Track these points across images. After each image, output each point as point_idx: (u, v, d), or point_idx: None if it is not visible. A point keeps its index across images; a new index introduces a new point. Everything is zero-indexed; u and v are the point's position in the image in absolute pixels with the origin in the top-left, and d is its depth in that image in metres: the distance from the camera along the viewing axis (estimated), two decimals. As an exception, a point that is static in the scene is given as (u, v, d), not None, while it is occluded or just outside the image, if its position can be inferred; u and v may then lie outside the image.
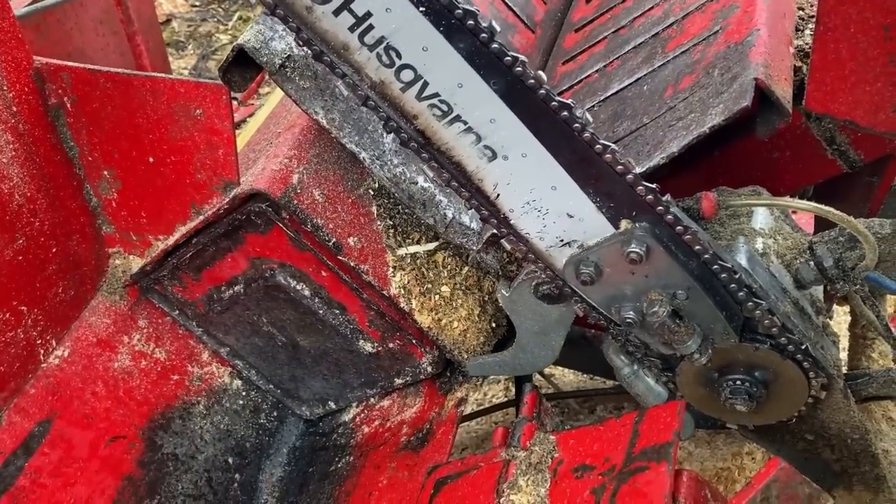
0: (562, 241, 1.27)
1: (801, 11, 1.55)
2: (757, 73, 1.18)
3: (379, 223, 1.62)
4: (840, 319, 2.25)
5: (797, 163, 1.50)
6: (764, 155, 1.48)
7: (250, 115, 2.08)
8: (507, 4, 1.83)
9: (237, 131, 2.22)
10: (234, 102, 2.20)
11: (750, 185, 1.43)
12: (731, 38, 1.31)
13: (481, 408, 2.68)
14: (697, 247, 1.20)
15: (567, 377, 3.03)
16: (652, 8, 1.60)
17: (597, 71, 1.58)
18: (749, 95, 1.15)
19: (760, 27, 1.27)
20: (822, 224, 1.31)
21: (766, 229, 1.36)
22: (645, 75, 1.43)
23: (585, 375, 2.89)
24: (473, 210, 1.28)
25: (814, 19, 1.49)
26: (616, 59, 1.55)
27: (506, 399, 2.77)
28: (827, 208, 1.21)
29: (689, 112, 1.25)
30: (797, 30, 1.51)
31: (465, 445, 2.71)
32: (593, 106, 1.48)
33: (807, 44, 1.47)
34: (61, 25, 2.00)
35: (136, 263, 1.76)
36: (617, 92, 1.46)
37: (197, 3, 5.48)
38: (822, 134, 1.43)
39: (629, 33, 1.59)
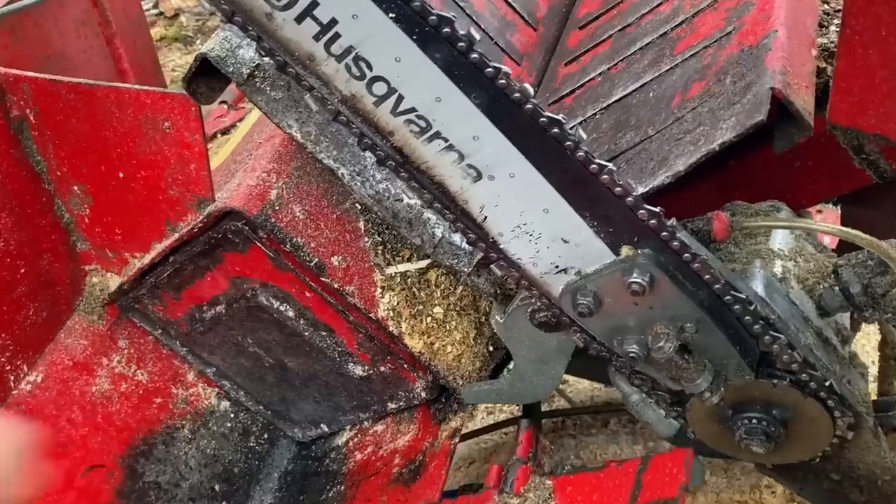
0: (557, 267, 1.15)
1: (825, 5, 1.40)
2: (774, 81, 1.05)
3: (366, 240, 1.51)
4: (869, 330, 2.11)
5: (821, 173, 1.36)
6: (784, 165, 1.35)
7: (240, 120, 1.97)
8: (506, 0, 1.70)
9: (226, 137, 2.11)
10: (224, 106, 2.09)
11: (768, 198, 1.30)
12: (745, 41, 1.17)
13: (491, 420, 2.57)
14: (707, 276, 1.07)
15: (581, 384, 2.90)
16: (661, 4, 1.46)
17: (600, 74, 1.45)
18: (764, 108, 1.02)
19: (778, 28, 1.13)
20: (847, 245, 1.17)
21: (785, 250, 1.23)
22: (651, 80, 1.30)
23: (599, 384, 2.76)
24: (460, 233, 1.16)
25: (840, 14, 1.35)
26: (621, 60, 1.42)
27: (518, 412, 2.65)
28: (854, 231, 1.07)
29: (698, 125, 1.12)
30: (821, 26, 1.37)
31: (473, 458, 2.60)
32: (595, 113, 1.35)
33: (831, 42, 1.34)
34: (39, 28, 1.90)
35: (115, 281, 1.66)
36: (621, 98, 1.33)
37: (205, -3, 5.38)
38: (848, 142, 1.29)
39: (636, 32, 1.46)
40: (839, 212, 1.94)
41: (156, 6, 5.18)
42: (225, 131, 2.05)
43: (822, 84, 1.27)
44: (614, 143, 1.25)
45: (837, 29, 1.36)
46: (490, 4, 1.68)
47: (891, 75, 0.94)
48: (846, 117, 1.01)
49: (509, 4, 1.70)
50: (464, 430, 1.57)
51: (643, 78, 1.32)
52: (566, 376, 2.79)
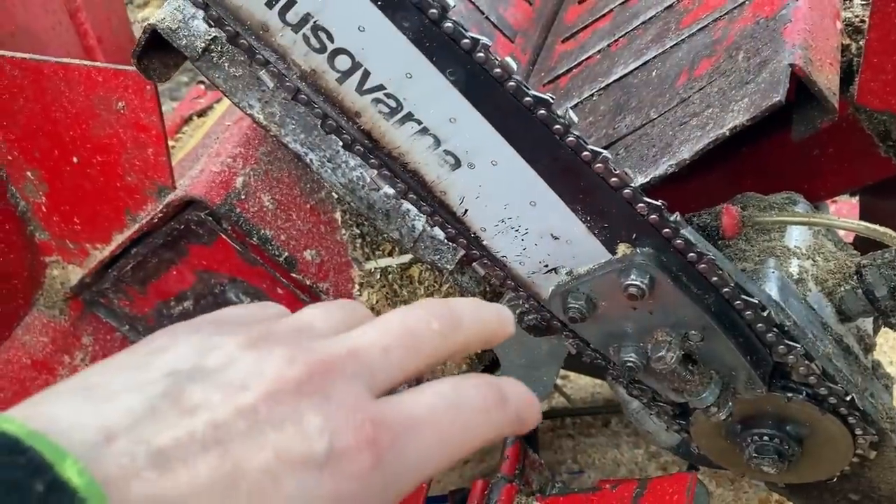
0: (546, 266, 1.02)
1: (849, -24, 1.27)
2: (794, 57, 0.91)
3: (343, 232, 1.39)
4: (889, 333, 1.98)
5: (843, 162, 1.24)
6: (802, 153, 1.22)
7: (217, 101, 1.85)
8: (499, -28, 1.57)
9: (202, 119, 1.97)
10: (202, 86, 1.97)
11: (784, 189, 1.17)
12: (760, 12, 1.04)
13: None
14: (715, 278, 0.95)
15: (582, 380, 2.79)
16: (667, -26, 1.33)
17: (599, 51, 1.32)
18: (782, 88, 0.89)
19: (799, -4, 1.00)
20: (867, 239, 1.05)
21: (802, 248, 1.11)
22: (654, 57, 1.17)
23: (600, 380, 2.64)
24: (438, 228, 1.04)
25: (866, -15, 1.21)
26: (622, 36, 1.29)
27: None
28: (882, 229, 0.95)
29: (706, 107, 0.99)
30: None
31: (467, 459, 2.49)
32: (592, 95, 1.22)
33: (856, 16, 1.20)
34: (1, 2, 1.78)
35: (77, 274, 1.55)
36: (621, 78, 1.20)
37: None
38: (874, 127, 1.16)
39: (639, 5, 1.33)
40: (856, 202, 1.81)
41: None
42: (201, 113, 1.93)
43: (844, 63, 1.14)
44: (612, 127, 1.12)
45: (863, 3, 1.22)
46: (482, -24, 1.55)
47: (931, 49, 0.81)
48: (878, 98, 0.89)
49: (503, -24, 1.57)
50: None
51: (646, 55, 1.18)
52: (565, 372, 2.68)
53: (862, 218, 1.61)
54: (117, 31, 2.07)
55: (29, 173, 1.42)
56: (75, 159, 1.35)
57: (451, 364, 1.42)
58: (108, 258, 1.45)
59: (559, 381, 2.60)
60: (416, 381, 1.37)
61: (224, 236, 1.32)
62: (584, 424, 2.43)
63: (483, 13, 1.46)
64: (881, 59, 0.86)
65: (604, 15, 1.41)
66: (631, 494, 0.98)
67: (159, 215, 1.31)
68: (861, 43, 1.12)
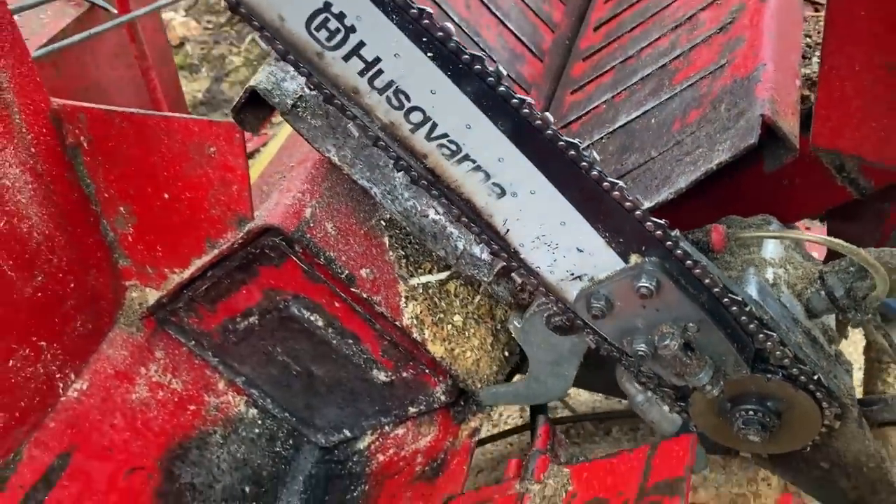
0: (572, 274, 1.27)
1: (807, 39, 1.55)
2: (763, 109, 1.19)
3: (391, 254, 1.63)
4: (856, 339, 2.24)
5: (807, 191, 1.50)
6: (773, 183, 1.49)
7: (263, 145, 2.10)
8: (515, 35, 1.84)
9: (250, 161, 2.25)
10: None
11: (759, 213, 1.44)
12: (737, 73, 1.32)
13: (496, 431, 2.68)
14: (707, 280, 1.21)
15: (582, 396, 3.02)
16: (659, 39, 1.61)
17: (604, 102, 1.59)
18: (755, 133, 1.16)
19: (767, 61, 1.28)
20: (834, 253, 1.31)
21: (776, 259, 1.37)
22: (653, 108, 1.44)
23: (600, 395, 2.88)
24: (483, 244, 1.29)
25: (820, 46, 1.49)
26: (624, 90, 1.56)
27: (521, 422, 2.77)
28: (836, 241, 1.21)
29: (697, 147, 1.25)
30: (804, 57, 1.51)
31: (481, 468, 2.71)
32: (602, 137, 1.49)
33: (813, 72, 1.48)
34: (78, 62, 2.04)
35: (153, 296, 1.78)
36: (625, 124, 1.47)
37: (210, 26, 5.54)
38: (831, 162, 1.43)
39: (636, 64, 1.60)
40: (825, 227, 2.08)
41: (162, 35, 5.32)
42: (249, 156, 2.19)
43: (806, 110, 1.41)
44: (620, 163, 1.39)
45: (819, 60, 1.50)
46: (500, 38, 1.83)
47: (864, 104, 1.08)
48: (827, 141, 1.15)
49: (518, 38, 1.85)
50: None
51: (645, 105, 1.46)
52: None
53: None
54: (169, 84, 2.33)
55: (121, 208, 1.66)
56: (166, 195, 1.59)
57: (483, 364, 1.66)
58: (187, 280, 1.68)
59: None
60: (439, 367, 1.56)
61: (294, 258, 1.56)
62: (587, 433, 2.66)
63: (504, 70, 1.73)
64: (828, 112, 1.12)
65: (606, 71, 1.68)
66: (645, 455, 1.22)
67: (239, 241, 1.55)
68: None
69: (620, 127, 1.47)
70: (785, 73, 1.29)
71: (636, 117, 1.45)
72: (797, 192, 1.51)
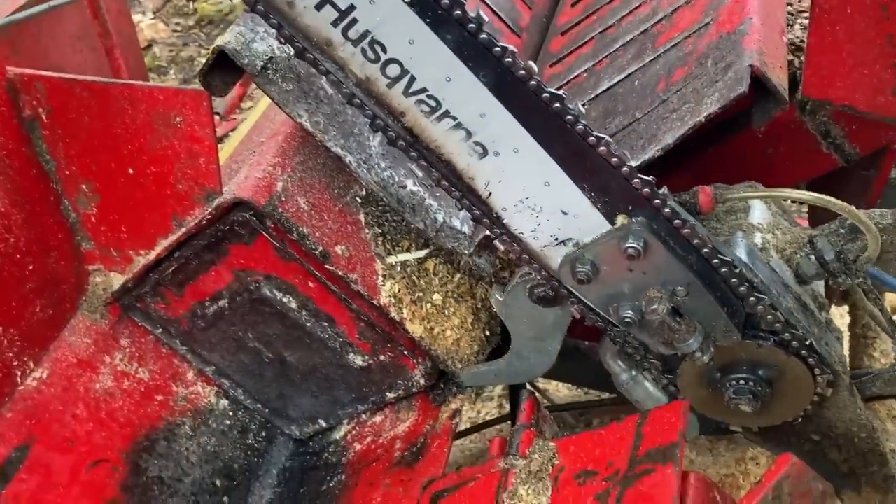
0: (556, 239, 1.23)
1: (789, 6, 1.53)
2: (752, 60, 1.15)
3: (367, 231, 1.57)
4: (839, 321, 2.21)
5: (792, 158, 1.48)
6: (759, 151, 1.46)
7: (233, 130, 2.04)
8: (492, 10, 1.80)
9: (219, 146, 2.17)
10: (217, 117, 2.16)
11: (745, 181, 1.40)
12: (723, 28, 1.28)
13: (475, 424, 2.63)
14: (696, 241, 1.17)
15: (561, 391, 2.98)
16: (639, 6, 1.58)
17: (585, 71, 1.55)
18: (745, 82, 1.12)
19: (753, 15, 1.25)
20: (818, 221, 1.28)
21: (764, 224, 1.33)
22: (635, 71, 1.40)
23: (580, 389, 2.84)
24: (465, 210, 1.24)
25: (802, 14, 1.47)
26: (605, 57, 1.53)
27: (499, 415, 2.71)
28: (827, 197, 1.18)
29: (684, 103, 1.22)
30: (787, 24, 1.48)
31: (459, 463, 2.65)
32: (584, 104, 1.45)
33: (797, 38, 1.45)
34: (36, 41, 1.96)
35: (118, 280, 1.70)
36: (607, 89, 1.43)
37: (178, 29, 5.46)
38: (816, 128, 1.41)
39: (617, 32, 1.57)
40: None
41: (128, 37, 5.23)
42: (219, 140, 2.12)
43: (790, 74, 1.39)
44: (604, 128, 1.35)
45: (802, 27, 1.48)
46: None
47: (857, 49, 1.05)
48: (818, 90, 1.12)
49: (496, 13, 1.81)
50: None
51: (627, 70, 1.42)
52: (547, 382, 2.87)
53: (811, 215, 1.86)
54: (134, 69, 2.26)
55: (83, 186, 1.59)
56: (130, 170, 1.52)
57: (463, 344, 1.60)
58: (152, 262, 1.61)
59: (543, 387, 2.79)
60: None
61: (265, 234, 1.50)
62: (567, 426, 2.62)
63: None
64: (819, 59, 1.09)
65: (586, 42, 1.64)
66: (634, 424, 1.17)
67: (207, 217, 1.48)
68: (802, 59, 1.37)
69: (603, 92, 1.43)
70: (772, 28, 1.25)
71: (619, 81, 1.41)
72: (782, 160, 1.48)
